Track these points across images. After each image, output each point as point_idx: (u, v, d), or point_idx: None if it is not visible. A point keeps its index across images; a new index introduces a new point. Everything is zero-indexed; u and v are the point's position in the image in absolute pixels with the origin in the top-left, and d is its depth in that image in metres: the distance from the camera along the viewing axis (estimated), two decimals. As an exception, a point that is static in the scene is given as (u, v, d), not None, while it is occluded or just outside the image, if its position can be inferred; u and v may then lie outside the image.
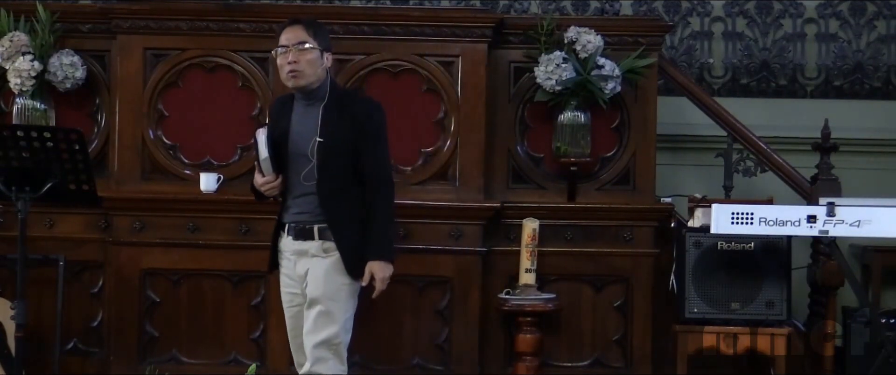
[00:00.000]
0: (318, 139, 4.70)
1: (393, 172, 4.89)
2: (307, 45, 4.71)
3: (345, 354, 4.75)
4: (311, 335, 4.70)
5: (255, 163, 4.80)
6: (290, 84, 4.76)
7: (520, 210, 5.77)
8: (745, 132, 6.10)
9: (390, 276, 4.73)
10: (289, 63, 4.70)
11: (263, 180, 4.76)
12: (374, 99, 5.04)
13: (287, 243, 4.80)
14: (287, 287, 4.86)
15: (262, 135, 4.72)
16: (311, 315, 4.71)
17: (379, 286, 4.72)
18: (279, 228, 4.85)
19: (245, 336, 5.79)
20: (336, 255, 4.71)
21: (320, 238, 4.72)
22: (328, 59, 4.80)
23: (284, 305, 4.89)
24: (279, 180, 4.77)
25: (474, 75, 5.79)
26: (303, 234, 4.74)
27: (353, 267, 4.70)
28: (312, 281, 4.72)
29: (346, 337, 4.76)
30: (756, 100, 6.96)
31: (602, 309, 5.86)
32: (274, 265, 4.90)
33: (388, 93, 5.80)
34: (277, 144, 4.75)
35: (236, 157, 5.84)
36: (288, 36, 4.73)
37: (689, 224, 5.67)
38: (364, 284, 4.72)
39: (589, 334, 5.90)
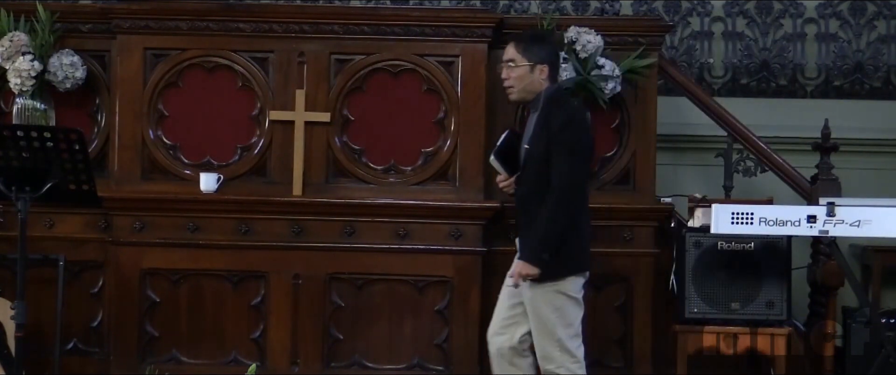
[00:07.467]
0: (525, 146, 5.01)
1: (577, 185, 4.96)
2: (513, 63, 5.03)
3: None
4: None
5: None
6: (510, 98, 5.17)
7: (520, 210, 5.77)
8: (745, 132, 6.10)
9: (530, 275, 4.94)
10: (503, 79, 5.09)
11: (498, 178, 5.12)
12: (580, 109, 5.23)
13: None
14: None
15: (503, 135, 5.10)
16: None
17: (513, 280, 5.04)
18: None
19: (245, 336, 5.78)
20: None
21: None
22: (541, 71, 5.01)
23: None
24: (511, 180, 5.09)
25: (474, 75, 5.79)
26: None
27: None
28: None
29: None
30: (756, 100, 6.96)
31: (602, 308, 5.85)
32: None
33: (388, 93, 5.80)
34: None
35: (236, 157, 5.83)
36: (504, 53, 5.11)
37: (689, 224, 5.67)
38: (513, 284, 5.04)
39: (589, 334, 5.87)
